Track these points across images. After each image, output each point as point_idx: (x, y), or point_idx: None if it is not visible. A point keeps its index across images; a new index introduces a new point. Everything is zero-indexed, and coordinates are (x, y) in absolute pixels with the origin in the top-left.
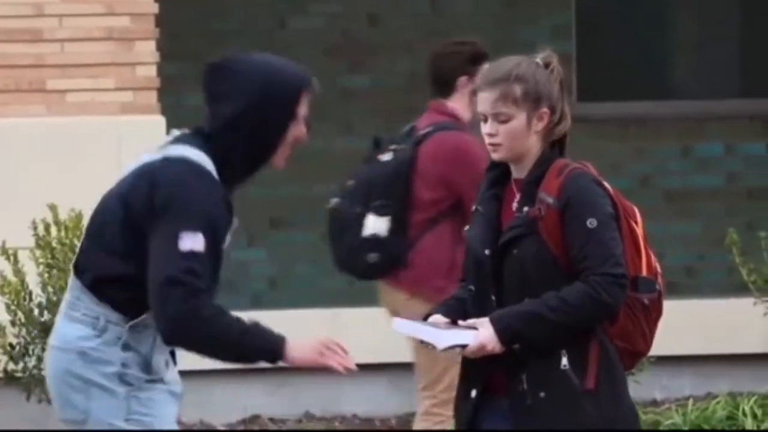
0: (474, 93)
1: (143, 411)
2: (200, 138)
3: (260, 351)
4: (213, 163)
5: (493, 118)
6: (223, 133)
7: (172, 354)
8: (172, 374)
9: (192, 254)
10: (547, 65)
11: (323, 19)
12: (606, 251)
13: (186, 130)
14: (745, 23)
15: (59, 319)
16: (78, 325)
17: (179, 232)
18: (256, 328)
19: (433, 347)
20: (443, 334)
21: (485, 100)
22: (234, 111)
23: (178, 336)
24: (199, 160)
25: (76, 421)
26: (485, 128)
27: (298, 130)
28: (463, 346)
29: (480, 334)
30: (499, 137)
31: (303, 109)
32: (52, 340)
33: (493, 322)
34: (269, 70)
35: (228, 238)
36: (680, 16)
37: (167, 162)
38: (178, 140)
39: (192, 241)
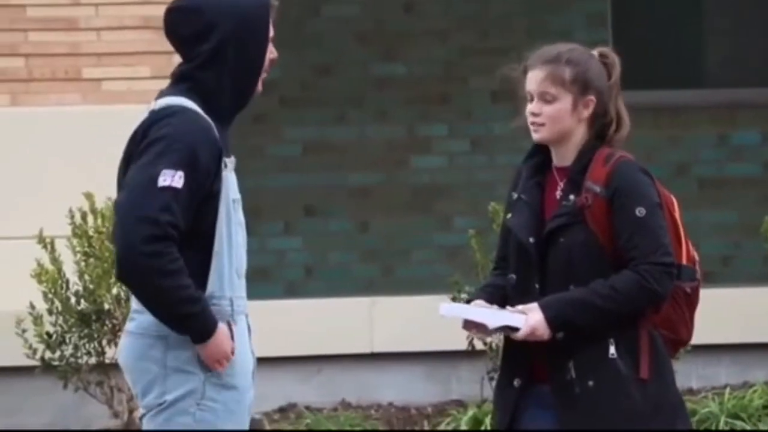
0: (525, 72)
1: (216, 397)
2: (182, 84)
3: (197, 326)
4: (200, 104)
5: (539, 98)
6: (206, 71)
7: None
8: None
9: (170, 190)
10: (603, 61)
11: (357, 7)
12: (655, 240)
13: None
14: None
15: (134, 306)
16: None
17: (160, 169)
18: (204, 303)
19: (484, 328)
20: (494, 315)
21: (533, 79)
22: (215, 46)
23: (131, 271)
24: (182, 103)
25: (154, 406)
26: (530, 107)
27: (270, 51)
28: (513, 329)
29: (530, 318)
30: (542, 117)
31: (272, 29)
32: (129, 327)
33: (543, 309)
34: None
35: (231, 177)
36: (715, 3)
37: (152, 114)
38: (161, 95)
39: (171, 178)
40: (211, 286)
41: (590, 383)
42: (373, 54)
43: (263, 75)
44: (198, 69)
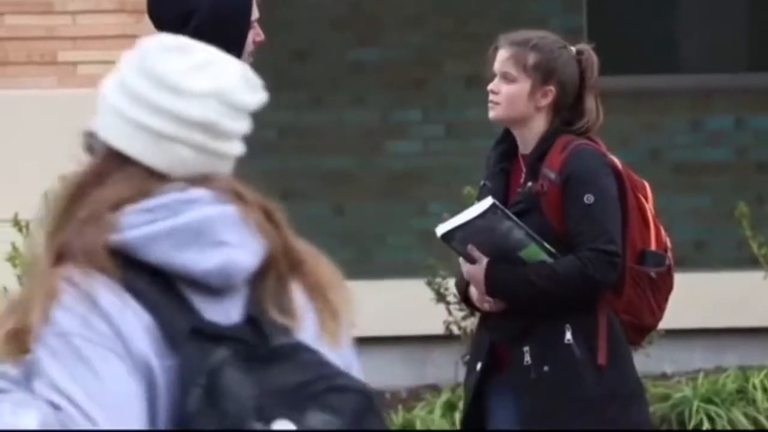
0: (494, 51)
1: None
2: None
3: None
4: None
5: (501, 77)
6: None
7: None
8: None
9: None
10: (578, 58)
11: None
12: (600, 228)
13: None
14: None
15: None
16: None
17: None
18: None
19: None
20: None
21: (499, 58)
22: (193, 31)
23: None
24: None
25: None
26: (490, 85)
27: (255, 34)
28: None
29: (471, 269)
30: (499, 96)
31: (255, 14)
32: None
33: (488, 266)
34: None
35: None
36: None
37: None
38: None
39: None
40: None
41: (545, 368)
42: (349, 39)
43: (250, 59)
44: None
